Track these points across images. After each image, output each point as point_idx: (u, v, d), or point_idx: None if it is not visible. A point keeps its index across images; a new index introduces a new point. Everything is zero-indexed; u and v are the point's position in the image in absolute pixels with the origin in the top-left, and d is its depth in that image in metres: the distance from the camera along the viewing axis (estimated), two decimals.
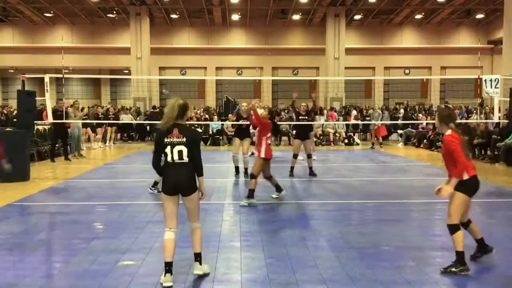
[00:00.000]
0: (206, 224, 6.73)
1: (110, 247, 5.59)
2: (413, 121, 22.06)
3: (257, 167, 8.15)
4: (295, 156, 11.26)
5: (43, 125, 16.68)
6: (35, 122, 13.15)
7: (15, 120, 14.65)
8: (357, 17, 33.62)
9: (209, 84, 34.45)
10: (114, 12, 32.98)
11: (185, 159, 4.53)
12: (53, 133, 14.45)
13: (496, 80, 12.81)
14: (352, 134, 21.61)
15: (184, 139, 4.52)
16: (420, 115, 24.40)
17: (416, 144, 19.89)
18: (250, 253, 5.45)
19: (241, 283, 4.55)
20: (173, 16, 33.51)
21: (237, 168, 11.44)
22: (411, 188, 9.91)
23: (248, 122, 11.07)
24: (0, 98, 38.38)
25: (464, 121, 18.74)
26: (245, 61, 35.40)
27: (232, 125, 15.04)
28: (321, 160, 14.47)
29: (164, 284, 4.43)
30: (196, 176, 4.62)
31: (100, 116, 18.96)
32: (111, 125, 19.67)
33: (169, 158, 4.53)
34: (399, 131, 21.96)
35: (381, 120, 18.93)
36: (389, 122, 19.31)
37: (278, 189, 8.45)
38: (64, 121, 13.57)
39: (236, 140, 11.57)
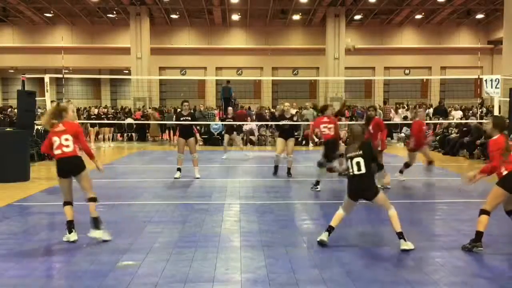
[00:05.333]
0: (206, 224, 6.73)
1: (110, 247, 5.59)
2: (411, 122, 22.02)
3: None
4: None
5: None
6: (35, 122, 13.16)
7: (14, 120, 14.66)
8: (357, 17, 33.63)
9: (209, 84, 34.46)
10: (114, 12, 32.99)
11: (363, 169, 5.55)
12: None
13: (497, 80, 12.81)
14: None
15: (360, 152, 5.61)
16: None
17: None
18: (250, 253, 5.44)
19: (241, 283, 4.54)
20: (173, 16, 33.51)
21: (276, 168, 11.18)
22: (411, 188, 9.91)
23: (291, 123, 11.17)
24: (0, 98, 38.40)
25: (464, 121, 18.74)
26: (245, 61, 35.40)
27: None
28: None
29: (322, 239, 5.65)
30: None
31: (102, 116, 19.21)
32: (108, 125, 19.75)
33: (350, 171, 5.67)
34: (402, 134, 21.95)
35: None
36: (388, 122, 19.30)
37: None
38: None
39: (280, 141, 11.25)
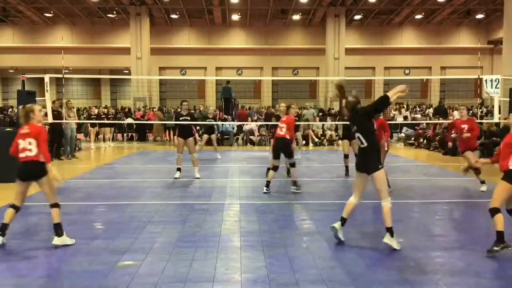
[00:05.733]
0: (206, 224, 6.73)
1: (110, 247, 5.59)
2: (412, 122, 22.08)
3: None
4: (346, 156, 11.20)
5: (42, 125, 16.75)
6: None
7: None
8: (357, 17, 33.63)
9: (209, 84, 34.47)
10: (114, 12, 33.00)
11: (364, 143, 5.60)
12: (51, 134, 14.46)
13: (497, 80, 12.79)
14: None
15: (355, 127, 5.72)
16: (418, 115, 24.45)
17: (416, 144, 19.94)
18: (250, 253, 5.44)
19: (241, 283, 4.54)
20: (173, 16, 33.52)
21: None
22: (411, 188, 9.90)
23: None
24: (0, 98, 38.40)
25: None
26: (245, 61, 35.40)
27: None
28: (321, 160, 14.49)
29: (333, 225, 5.75)
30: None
31: (103, 116, 19.24)
32: (108, 125, 19.76)
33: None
34: (402, 134, 21.95)
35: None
36: (390, 122, 19.32)
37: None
38: (62, 121, 13.59)
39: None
